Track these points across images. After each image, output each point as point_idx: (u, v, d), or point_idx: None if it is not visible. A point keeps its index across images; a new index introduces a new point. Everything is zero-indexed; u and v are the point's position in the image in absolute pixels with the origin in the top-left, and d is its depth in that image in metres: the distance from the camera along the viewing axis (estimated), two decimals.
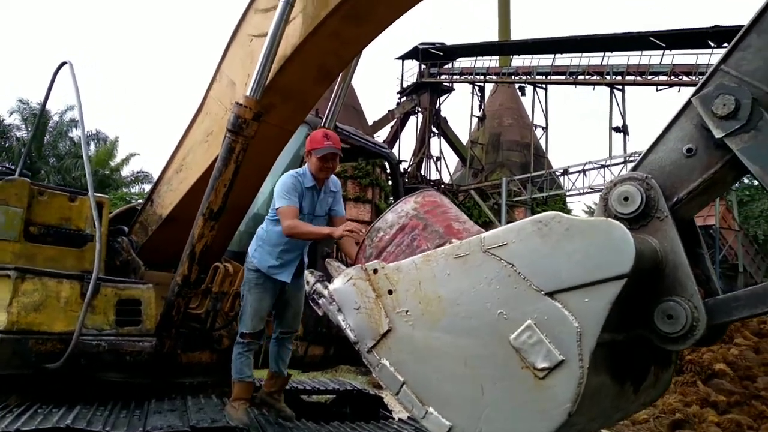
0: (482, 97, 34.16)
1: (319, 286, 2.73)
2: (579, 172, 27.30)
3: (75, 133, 29.72)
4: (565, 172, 28.23)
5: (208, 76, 4.21)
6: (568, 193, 28.71)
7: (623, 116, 26.87)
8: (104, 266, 3.79)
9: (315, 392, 5.39)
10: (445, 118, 33.67)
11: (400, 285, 2.44)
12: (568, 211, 35.08)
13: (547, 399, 2.04)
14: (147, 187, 30.66)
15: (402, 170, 29.98)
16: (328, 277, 2.82)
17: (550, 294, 2.07)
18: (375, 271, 2.53)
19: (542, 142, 32.07)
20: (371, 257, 2.60)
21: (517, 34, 35.37)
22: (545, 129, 31.45)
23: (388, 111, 33.23)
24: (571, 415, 2.01)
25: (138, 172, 30.82)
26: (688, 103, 2.30)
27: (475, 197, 29.38)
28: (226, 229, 4.17)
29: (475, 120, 34.32)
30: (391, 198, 23.44)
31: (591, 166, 26.78)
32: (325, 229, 3.37)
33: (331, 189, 3.75)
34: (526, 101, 33.82)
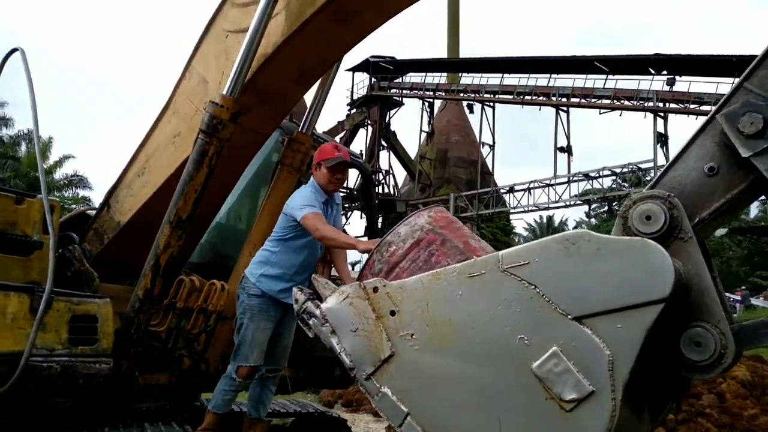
0: (431, 112, 34.50)
1: (310, 304, 2.49)
2: (524, 190, 27.89)
3: (4, 132, 28.10)
4: (511, 189, 28.75)
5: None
6: (512, 211, 29.24)
7: (567, 137, 27.60)
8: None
9: (275, 415, 5.07)
10: (394, 132, 33.78)
11: (405, 305, 2.24)
12: (512, 228, 35.77)
13: None
14: (81, 192, 29.31)
15: (375, 181, 29.75)
16: (317, 295, 2.59)
17: (578, 319, 1.92)
18: (375, 289, 2.31)
19: (489, 160, 32.60)
20: (380, 273, 2.37)
21: (465, 52, 35.97)
22: (492, 147, 31.97)
23: (338, 122, 33.03)
24: None
25: (72, 176, 29.37)
26: (710, 120, 2.21)
27: None
28: (190, 239, 3.85)
29: (423, 135, 34.58)
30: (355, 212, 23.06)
31: (536, 184, 27.42)
32: (351, 239, 3.13)
33: (336, 202, 3.54)
34: (474, 119, 34.36)
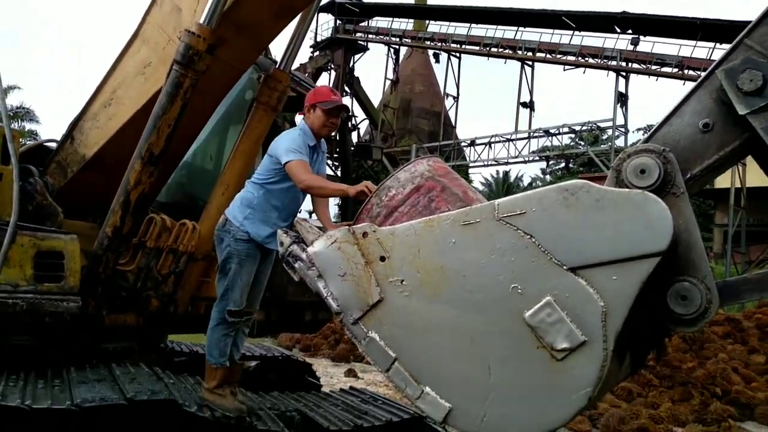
0: (397, 60, 33.91)
1: (295, 248, 2.43)
2: (485, 144, 28.01)
3: None
4: (472, 143, 28.84)
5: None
6: (472, 164, 29.40)
7: (531, 92, 27.65)
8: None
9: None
10: (357, 78, 33.09)
11: (395, 252, 2.20)
12: (470, 182, 35.97)
13: (566, 382, 1.90)
14: (28, 126, 28.02)
15: (351, 126, 29.22)
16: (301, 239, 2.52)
17: (574, 270, 1.92)
18: (365, 234, 2.27)
19: (452, 112, 32.48)
20: (379, 217, 2.33)
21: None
22: (456, 99, 31.81)
23: (300, 64, 32.03)
24: (590, 399, 1.90)
25: (18, 108, 27.96)
26: (708, 75, 2.19)
27: (384, 162, 29.36)
28: (160, 177, 3.70)
29: (388, 83, 34.08)
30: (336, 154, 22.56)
31: (497, 139, 27.55)
32: (342, 186, 3.02)
33: (322, 150, 3.41)
34: (439, 69, 33.98)
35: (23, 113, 28.39)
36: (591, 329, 1.88)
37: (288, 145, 3.07)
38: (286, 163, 3.01)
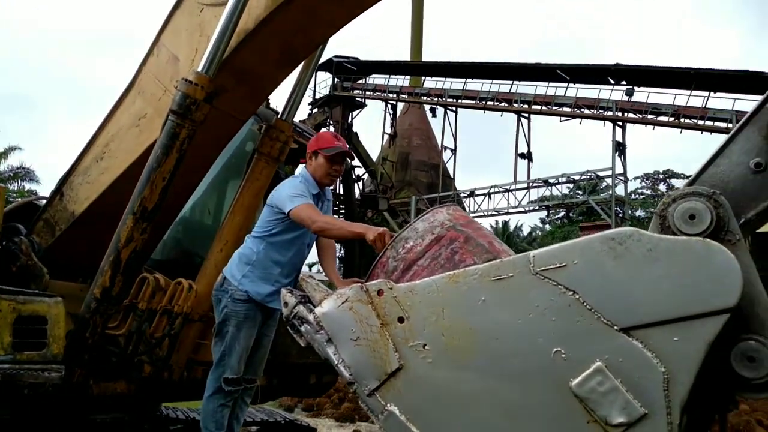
0: (394, 115, 34.35)
1: (301, 308, 2.17)
2: (484, 195, 28.04)
3: None
4: (472, 194, 28.87)
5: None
6: (472, 215, 29.31)
7: (528, 143, 27.89)
8: None
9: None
10: (356, 133, 33.40)
11: (415, 311, 1.95)
12: None
13: None
14: (28, 186, 27.99)
15: (354, 176, 29.60)
16: (308, 299, 2.27)
17: (627, 330, 1.66)
18: (380, 292, 2.02)
19: (450, 164, 32.65)
20: (396, 272, 2.07)
21: (428, 55, 35.94)
22: (453, 151, 32.03)
23: (300, 121, 32.42)
24: None
25: (18, 168, 28.00)
26: (756, 111, 2.00)
27: (384, 214, 29.25)
28: (154, 233, 3.47)
29: (386, 137, 34.39)
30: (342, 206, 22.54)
31: (496, 189, 27.57)
32: (360, 226, 2.74)
33: (328, 198, 3.20)
34: (436, 123, 34.37)
35: (23, 173, 28.37)
36: (652, 400, 1.61)
37: (291, 192, 2.85)
38: (290, 210, 2.78)
